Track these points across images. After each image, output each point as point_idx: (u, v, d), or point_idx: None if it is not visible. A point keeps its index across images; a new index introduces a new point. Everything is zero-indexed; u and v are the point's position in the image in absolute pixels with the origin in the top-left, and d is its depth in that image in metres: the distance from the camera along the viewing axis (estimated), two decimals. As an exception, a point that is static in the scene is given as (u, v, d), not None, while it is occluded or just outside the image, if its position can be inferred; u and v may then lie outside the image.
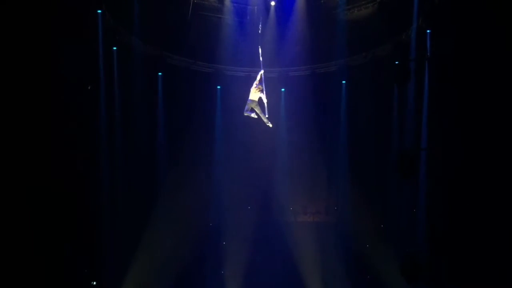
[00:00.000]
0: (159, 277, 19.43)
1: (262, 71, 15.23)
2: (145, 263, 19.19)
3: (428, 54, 17.84)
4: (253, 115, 15.21)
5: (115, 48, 18.94)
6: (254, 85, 15.13)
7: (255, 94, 15.14)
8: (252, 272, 20.11)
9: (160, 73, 20.50)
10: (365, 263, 19.77)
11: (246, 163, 21.04)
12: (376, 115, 19.99)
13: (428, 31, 18.04)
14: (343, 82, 20.84)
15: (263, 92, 15.16)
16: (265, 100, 15.14)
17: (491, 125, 16.61)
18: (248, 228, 20.56)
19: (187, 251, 19.94)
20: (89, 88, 18.18)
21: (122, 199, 18.94)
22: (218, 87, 21.41)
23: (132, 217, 19.06)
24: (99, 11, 18.00)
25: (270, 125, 15.47)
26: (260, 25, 18.38)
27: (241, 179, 20.90)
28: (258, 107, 15.20)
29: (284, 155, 21.27)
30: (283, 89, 21.37)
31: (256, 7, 20.31)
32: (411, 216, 18.44)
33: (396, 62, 17.91)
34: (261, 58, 15.61)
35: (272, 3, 19.96)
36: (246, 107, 15.16)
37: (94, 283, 18.35)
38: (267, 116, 15.25)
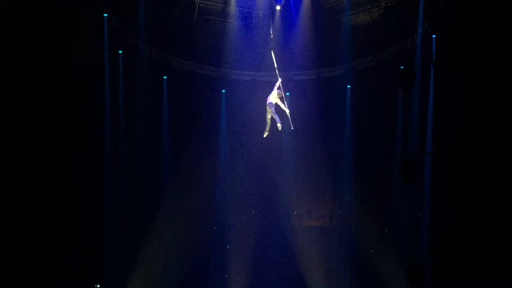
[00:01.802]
0: (162, 280, 19.42)
1: (280, 80, 15.42)
2: (148, 266, 19.18)
3: (433, 59, 17.83)
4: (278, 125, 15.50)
5: (120, 51, 18.98)
6: (276, 90, 15.34)
7: (275, 98, 15.43)
8: (256, 276, 20.08)
9: (165, 77, 20.51)
10: (369, 267, 19.73)
11: (251, 167, 21.02)
12: (381, 120, 19.95)
13: (433, 36, 18.04)
14: (348, 86, 20.79)
15: (282, 100, 15.43)
16: (286, 109, 15.45)
17: (496, 130, 16.62)
18: (252, 232, 20.54)
19: (191, 255, 19.91)
20: (94, 90, 18.23)
21: (126, 202, 18.93)
22: (223, 91, 21.40)
23: (136, 220, 19.06)
24: (105, 14, 18.06)
25: (280, 127, 15.69)
26: (272, 30, 18.40)
27: (246, 183, 20.88)
28: (274, 113, 15.48)
29: (288, 159, 21.24)
30: (288, 93, 21.31)
31: (261, 11, 20.31)
32: (415, 221, 18.42)
33: (401, 67, 17.95)
34: (275, 65, 15.63)
35: (278, 7, 19.96)
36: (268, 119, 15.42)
37: (98, 286, 18.37)
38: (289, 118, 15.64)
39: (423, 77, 17.64)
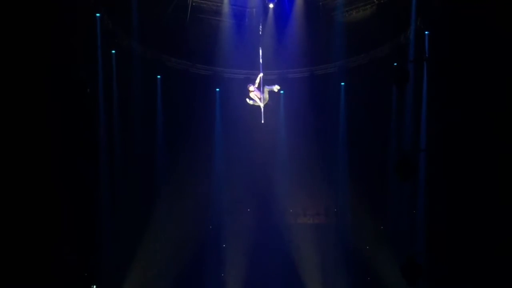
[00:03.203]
0: (158, 280, 19.42)
1: (261, 74, 15.50)
2: (144, 266, 19.19)
3: (427, 55, 17.86)
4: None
5: (113, 51, 18.94)
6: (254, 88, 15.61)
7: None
8: (252, 275, 20.10)
9: (158, 76, 20.50)
10: (365, 265, 19.78)
11: (246, 165, 21.02)
12: (375, 117, 19.99)
13: (426, 32, 18.06)
14: (342, 83, 20.84)
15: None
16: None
17: (490, 125, 16.64)
18: (248, 231, 20.54)
19: (187, 254, 19.92)
20: (88, 91, 18.17)
21: (121, 202, 18.92)
22: (217, 89, 21.41)
23: (131, 220, 19.05)
24: (97, 14, 18.01)
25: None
26: (261, 26, 18.43)
27: (241, 182, 20.89)
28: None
29: (283, 157, 21.26)
30: (282, 91, 21.34)
31: (254, 10, 20.33)
32: (411, 217, 18.45)
33: (395, 64, 18.00)
34: (261, 60, 15.73)
35: (271, 6, 19.97)
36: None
37: (94, 286, 18.33)
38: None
39: (416, 74, 17.68)
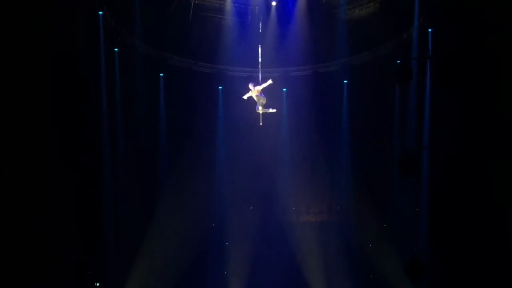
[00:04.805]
0: (162, 277, 19.44)
1: (270, 81, 15.76)
2: (148, 263, 19.21)
3: (430, 53, 17.85)
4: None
5: (116, 49, 18.96)
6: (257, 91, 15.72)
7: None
8: (255, 273, 20.11)
9: (161, 74, 20.52)
10: (368, 262, 19.78)
11: (248, 163, 21.05)
12: (378, 114, 19.99)
13: (429, 30, 18.05)
14: (345, 81, 20.83)
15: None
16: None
17: (492, 123, 16.62)
18: (250, 228, 20.56)
19: (190, 252, 19.94)
20: (91, 88, 18.23)
21: (125, 199, 18.95)
22: (220, 87, 21.42)
23: (134, 218, 19.09)
24: (100, 12, 18.04)
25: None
26: (261, 24, 18.44)
27: (243, 179, 20.91)
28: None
29: (286, 155, 21.28)
30: (284, 89, 21.37)
31: (257, 7, 20.31)
32: (413, 215, 18.45)
33: (398, 61, 17.96)
34: (260, 59, 15.78)
35: (273, 3, 19.97)
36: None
37: (98, 284, 18.38)
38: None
39: (419, 71, 17.66)
